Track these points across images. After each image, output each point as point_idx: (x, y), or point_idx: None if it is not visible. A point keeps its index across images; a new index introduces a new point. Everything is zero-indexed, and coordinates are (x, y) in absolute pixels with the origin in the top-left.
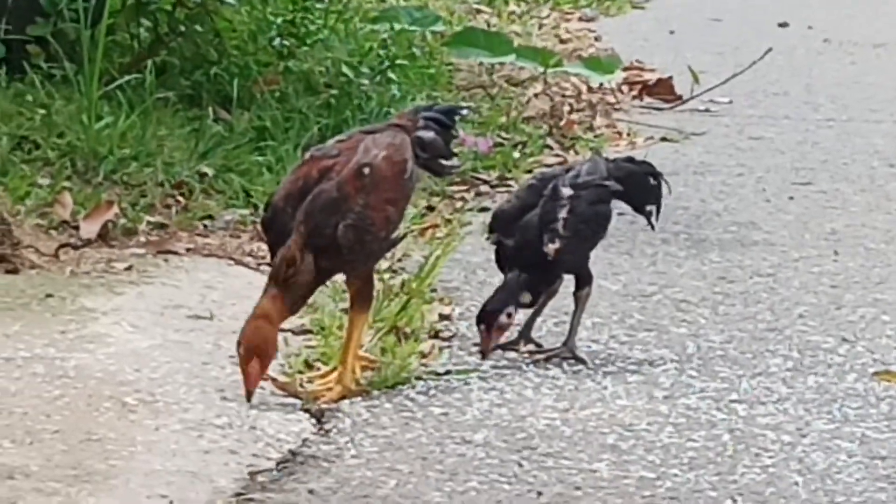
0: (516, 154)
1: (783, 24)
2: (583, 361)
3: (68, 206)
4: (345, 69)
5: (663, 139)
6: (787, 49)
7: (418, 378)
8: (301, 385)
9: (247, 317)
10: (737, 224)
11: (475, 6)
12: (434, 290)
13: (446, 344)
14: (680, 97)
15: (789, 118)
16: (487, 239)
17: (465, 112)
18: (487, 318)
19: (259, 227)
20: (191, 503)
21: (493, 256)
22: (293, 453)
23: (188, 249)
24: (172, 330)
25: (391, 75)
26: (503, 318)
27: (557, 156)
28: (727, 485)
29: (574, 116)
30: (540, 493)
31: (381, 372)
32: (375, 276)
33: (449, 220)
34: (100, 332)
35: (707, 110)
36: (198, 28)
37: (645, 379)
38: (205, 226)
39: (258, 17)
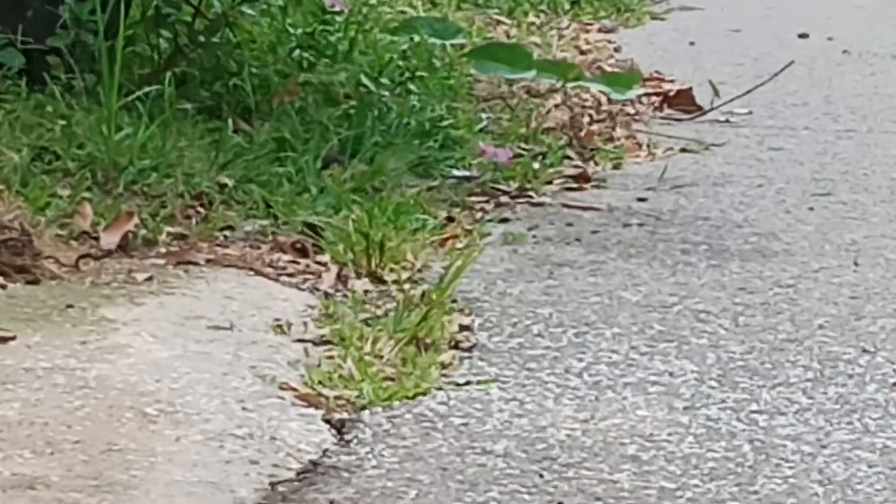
0: (536, 165)
1: (803, 35)
2: None
3: (88, 216)
4: (364, 80)
5: (683, 150)
6: (806, 60)
7: (438, 389)
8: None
9: (266, 328)
10: (757, 235)
11: (495, 17)
12: (454, 301)
13: (466, 354)
14: (700, 108)
15: (809, 129)
16: None
17: None
18: None
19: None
20: None
21: (513, 266)
22: (314, 464)
23: (208, 260)
24: (193, 340)
25: (411, 86)
26: None
27: (577, 167)
28: (748, 495)
29: (594, 127)
30: None
31: (401, 383)
32: (396, 287)
33: (469, 231)
34: (120, 343)
35: (727, 121)
36: (217, 40)
37: (665, 390)
38: (225, 236)
39: (278, 29)
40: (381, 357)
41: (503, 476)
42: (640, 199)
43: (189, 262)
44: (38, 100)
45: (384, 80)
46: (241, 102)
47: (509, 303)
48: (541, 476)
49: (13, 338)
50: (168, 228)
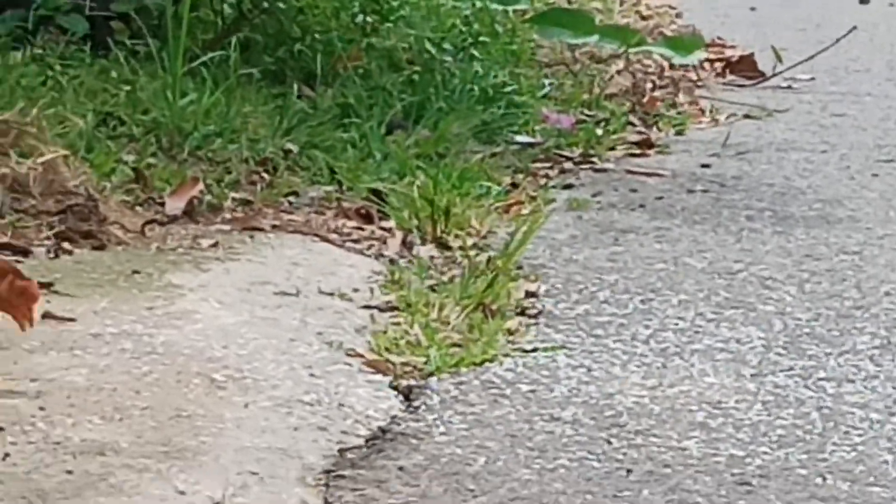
0: (599, 131)
1: (864, 1)
2: None
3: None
4: (427, 46)
5: (746, 116)
6: (868, 26)
7: (505, 355)
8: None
9: (331, 292)
10: (821, 201)
11: None
12: (520, 268)
13: (533, 321)
14: (762, 74)
15: (871, 95)
16: None
17: None
18: None
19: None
20: (281, 480)
21: (577, 233)
22: (382, 430)
23: (273, 226)
24: (259, 306)
25: (474, 52)
26: None
27: (640, 132)
28: (817, 463)
29: (657, 93)
30: (629, 471)
31: (468, 349)
32: (461, 253)
33: (533, 197)
34: (187, 309)
35: (789, 87)
36: (281, 5)
37: (732, 356)
38: (290, 202)
39: None
40: (448, 323)
41: (571, 443)
42: (704, 166)
43: (254, 228)
44: (103, 65)
45: (447, 46)
46: (305, 68)
47: (575, 269)
48: (609, 443)
49: (74, 319)
50: (233, 194)
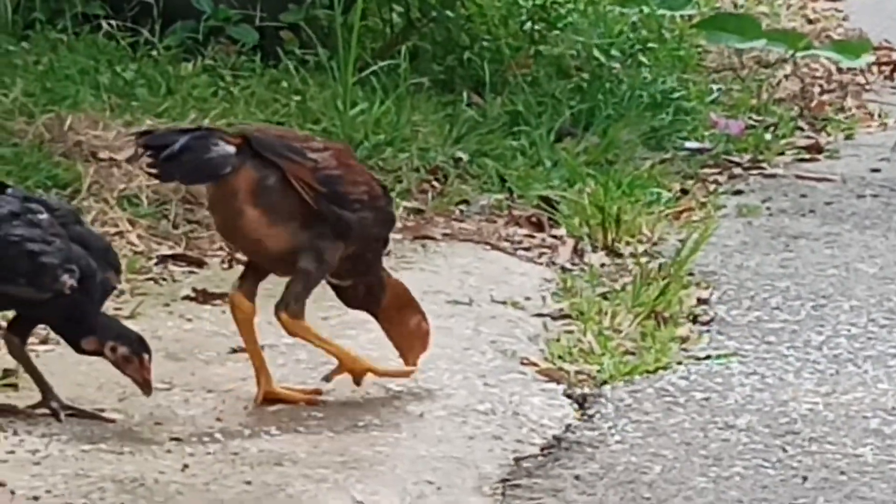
0: (768, 136)
1: None
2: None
3: None
4: (596, 53)
5: None
6: None
7: (678, 363)
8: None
9: (504, 301)
10: None
11: None
12: (691, 274)
13: (705, 328)
14: None
15: None
16: None
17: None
18: None
19: None
20: (457, 489)
21: (748, 239)
22: (557, 439)
23: (445, 234)
24: (433, 315)
25: (642, 58)
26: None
27: (809, 137)
28: None
29: (824, 98)
30: (805, 479)
31: (641, 357)
32: (632, 260)
33: (703, 204)
34: (360, 318)
35: None
36: (449, 13)
37: None
38: (461, 210)
39: (508, 2)
40: (620, 331)
41: (746, 451)
42: (874, 170)
43: (426, 237)
44: (273, 75)
45: (615, 53)
46: (474, 76)
47: (746, 276)
48: (784, 450)
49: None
50: (404, 203)
